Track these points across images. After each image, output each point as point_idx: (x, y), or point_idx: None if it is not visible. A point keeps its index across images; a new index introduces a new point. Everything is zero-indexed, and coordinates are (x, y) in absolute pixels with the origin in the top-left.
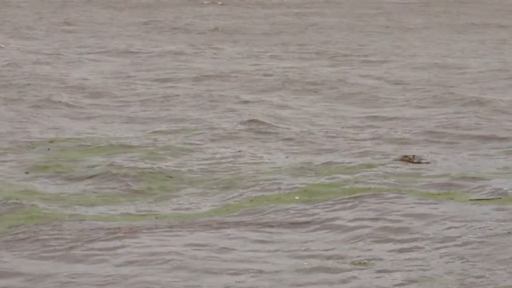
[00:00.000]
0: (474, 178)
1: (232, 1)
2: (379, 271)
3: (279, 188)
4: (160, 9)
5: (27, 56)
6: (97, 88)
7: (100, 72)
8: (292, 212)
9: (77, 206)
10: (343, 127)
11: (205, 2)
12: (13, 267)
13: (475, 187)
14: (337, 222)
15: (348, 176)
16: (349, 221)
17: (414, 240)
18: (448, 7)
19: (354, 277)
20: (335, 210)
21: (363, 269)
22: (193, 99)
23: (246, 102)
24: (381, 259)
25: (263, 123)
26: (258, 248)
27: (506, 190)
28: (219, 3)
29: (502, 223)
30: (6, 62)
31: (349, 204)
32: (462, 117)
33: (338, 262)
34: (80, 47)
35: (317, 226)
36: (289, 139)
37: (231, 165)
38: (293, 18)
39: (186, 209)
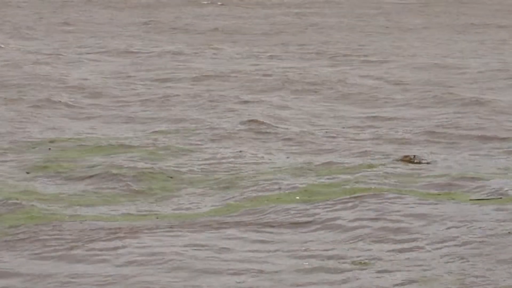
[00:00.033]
0: (474, 178)
1: (231, 1)
2: (379, 271)
3: (280, 188)
4: (160, 9)
5: (27, 56)
6: (97, 88)
7: (100, 72)
8: (292, 212)
9: (77, 206)
10: (343, 127)
11: (205, 2)
12: (13, 267)
13: (475, 187)
14: (338, 222)
15: (348, 176)
16: (350, 221)
17: (414, 240)
18: (448, 7)
19: (355, 277)
20: (336, 210)
21: (364, 269)
22: (193, 99)
23: (246, 102)
24: (381, 259)
25: (263, 123)
26: (258, 248)
27: (506, 190)
28: (219, 3)
29: (502, 223)
30: (6, 62)
31: (350, 204)
32: (462, 117)
33: (338, 262)
34: (80, 47)
35: (318, 226)
36: (289, 139)
37: (231, 165)
38: (293, 18)
39: (187, 209)
